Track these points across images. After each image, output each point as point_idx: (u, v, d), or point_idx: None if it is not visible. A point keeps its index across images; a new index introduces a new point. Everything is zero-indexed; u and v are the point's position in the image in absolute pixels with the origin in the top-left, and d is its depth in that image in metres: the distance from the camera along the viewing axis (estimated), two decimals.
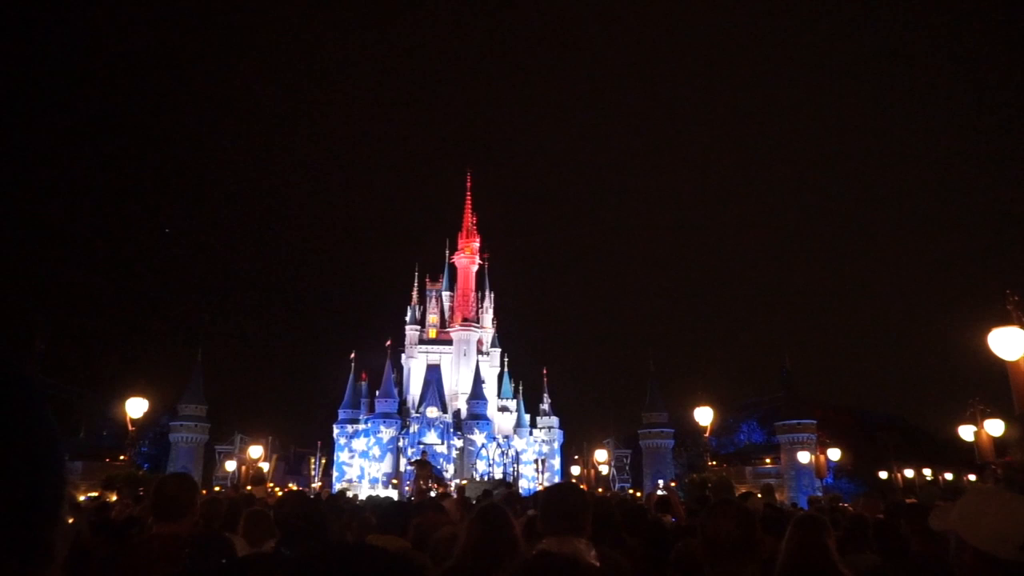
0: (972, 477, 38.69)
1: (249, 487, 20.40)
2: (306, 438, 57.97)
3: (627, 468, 55.00)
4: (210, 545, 3.60)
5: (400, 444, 52.88)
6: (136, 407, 20.73)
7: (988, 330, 10.47)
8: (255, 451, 39.03)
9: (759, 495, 11.26)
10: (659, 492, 13.19)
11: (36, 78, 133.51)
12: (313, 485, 45.27)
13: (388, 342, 57.68)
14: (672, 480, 41.76)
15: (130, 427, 21.42)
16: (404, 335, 60.80)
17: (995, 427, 19.50)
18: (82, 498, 17.14)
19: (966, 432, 21.60)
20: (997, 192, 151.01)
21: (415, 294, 62.19)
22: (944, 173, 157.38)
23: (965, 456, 29.48)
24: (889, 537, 4.54)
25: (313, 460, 53.56)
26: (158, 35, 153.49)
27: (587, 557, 2.83)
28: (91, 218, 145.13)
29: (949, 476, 43.25)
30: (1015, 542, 2.08)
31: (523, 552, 2.95)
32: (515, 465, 51.81)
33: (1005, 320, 10.47)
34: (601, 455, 42.84)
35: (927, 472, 44.19)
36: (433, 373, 57.27)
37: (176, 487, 3.59)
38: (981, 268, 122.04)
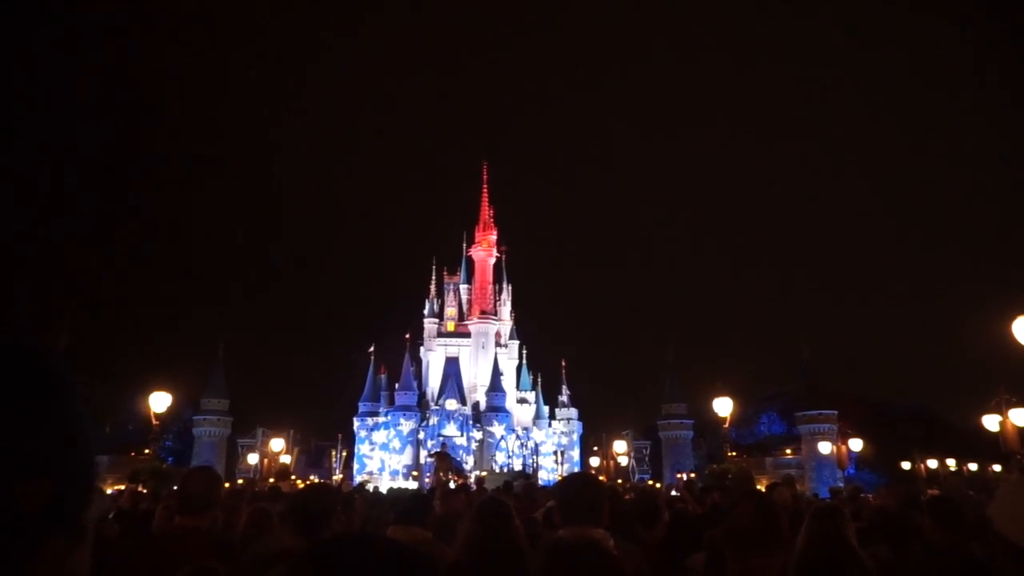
0: (997, 467, 38.15)
1: (272, 480, 20.63)
2: (327, 431, 58.47)
3: (646, 460, 54.88)
4: None
5: (420, 436, 53.16)
6: (160, 402, 21.03)
7: (1013, 319, 10.31)
8: (277, 444, 39.53)
9: (783, 487, 11.16)
10: (673, 493, 13.08)
11: (45, 80, 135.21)
12: (334, 478, 45.71)
13: (407, 335, 57.97)
14: (691, 471, 41.64)
15: (154, 421, 21.73)
16: (422, 328, 61.06)
17: (1020, 417, 19.23)
18: (109, 491, 17.45)
19: (991, 422, 21.33)
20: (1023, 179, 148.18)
21: (433, 287, 62.41)
22: (968, 160, 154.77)
23: (990, 446, 29.06)
24: (900, 529, 4.47)
25: (334, 453, 54.04)
26: (174, 29, 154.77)
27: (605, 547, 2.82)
28: (113, 215, 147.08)
29: (973, 467, 42.68)
30: None
31: (525, 545, 2.94)
32: (534, 457, 51.94)
33: None
34: (620, 447, 42.86)
35: (951, 463, 43.61)
36: (452, 366, 57.46)
37: (203, 482, 3.64)
38: (1006, 256, 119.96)
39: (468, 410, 54.33)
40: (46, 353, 0.74)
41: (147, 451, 28.20)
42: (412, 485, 40.28)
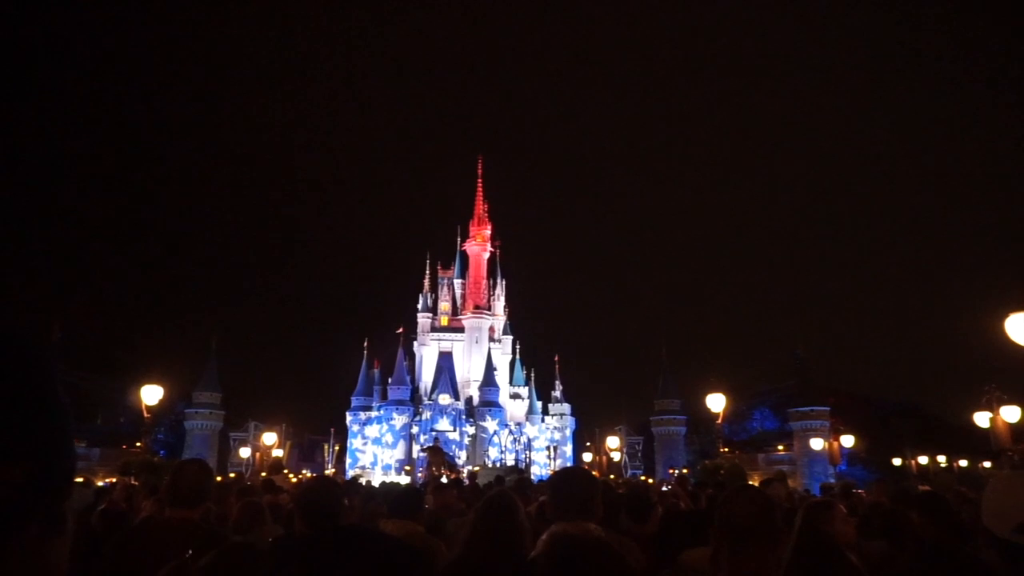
0: (987, 464, 38.41)
1: (264, 474, 20.57)
2: (320, 425, 58.45)
3: (639, 455, 55.06)
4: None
5: (413, 431, 53.18)
6: (151, 394, 20.91)
7: (1005, 315, 10.36)
8: (269, 438, 39.42)
9: (778, 483, 11.17)
10: (664, 488, 13.11)
11: (43, 76, 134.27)
12: (327, 472, 45.63)
13: (400, 330, 57.93)
14: (684, 467, 41.74)
15: (146, 414, 21.63)
16: (416, 323, 60.98)
17: (1011, 414, 19.34)
18: (100, 483, 17.37)
19: (982, 419, 21.42)
20: (1016, 175, 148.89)
21: (427, 282, 62.29)
22: (960, 156, 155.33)
23: (981, 443, 29.23)
24: (896, 524, 4.50)
25: (327, 447, 54.01)
26: (170, 26, 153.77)
27: None
28: (107, 209, 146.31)
29: (964, 463, 42.95)
30: (1011, 521, 2.04)
31: (531, 541, 2.93)
32: (527, 452, 52.00)
33: (1023, 305, 10.32)
34: (613, 442, 42.92)
35: (941, 459, 43.88)
36: (445, 360, 57.45)
37: (194, 475, 3.61)
38: (998, 252, 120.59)
39: (461, 405, 54.36)
40: (19, 334, 0.70)
41: (139, 444, 28.11)
42: (405, 479, 40.28)
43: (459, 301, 62.25)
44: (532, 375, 59.57)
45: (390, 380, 55.21)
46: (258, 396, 62.34)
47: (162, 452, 46.80)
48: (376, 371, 57.47)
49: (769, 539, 2.43)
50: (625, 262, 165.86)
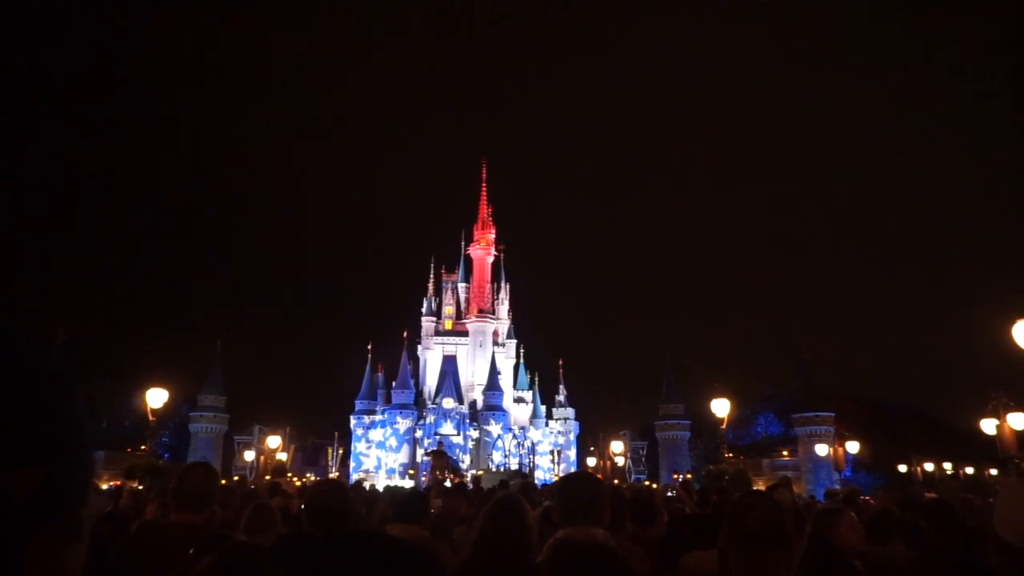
0: (993, 471, 38.22)
1: (268, 477, 20.59)
2: (323, 429, 58.40)
3: (643, 460, 54.91)
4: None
5: (417, 435, 53.16)
6: (156, 398, 20.99)
7: (1013, 321, 10.33)
8: (273, 441, 39.49)
9: (784, 488, 11.08)
10: (668, 494, 13.05)
11: (47, 78, 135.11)
12: (330, 475, 45.63)
13: (405, 333, 57.98)
14: (688, 472, 41.64)
15: (150, 417, 21.70)
16: (420, 326, 61.03)
17: (1018, 420, 19.26)
18: (104, 487, 17.40)
19: (988, 425, 21.34)
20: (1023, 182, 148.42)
21: (431, 286, 62.38)
22: (968, 161, 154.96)
23: (987, 450, 29.09)
24: (914, 531, 4.49)
25: (331, 450, 53.99)
26: (172, 28, 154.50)
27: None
28: (112, 212, 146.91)
29: (970, 470, 42.72)
30: (1022, 528, 2.04)
31: (538, 543, 2.91)
32: (531, 456, 51.92)
33: None
34: (617, 447, 42.78)
35: (947, 466, 43.64)
36: (449, 364, 57.45)
37: (199, 478, 3.60)
38: (1005, 258, 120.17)
39: (465, 409, 54.34)
40: (36, 341, 0.71)
41: (143, 447, 28.18)
42: (408, 483, 40.25)
43: (463, 305, 62.27)
44: (536, 379, 59.58)
45: (394, 384, 55.23)
46: (262, 400, 62.53)
47: (166, 455, 46.86)
48: (380, 375, 57.48)
49: (779, 545, 2.42)
50: (629, 266, 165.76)
